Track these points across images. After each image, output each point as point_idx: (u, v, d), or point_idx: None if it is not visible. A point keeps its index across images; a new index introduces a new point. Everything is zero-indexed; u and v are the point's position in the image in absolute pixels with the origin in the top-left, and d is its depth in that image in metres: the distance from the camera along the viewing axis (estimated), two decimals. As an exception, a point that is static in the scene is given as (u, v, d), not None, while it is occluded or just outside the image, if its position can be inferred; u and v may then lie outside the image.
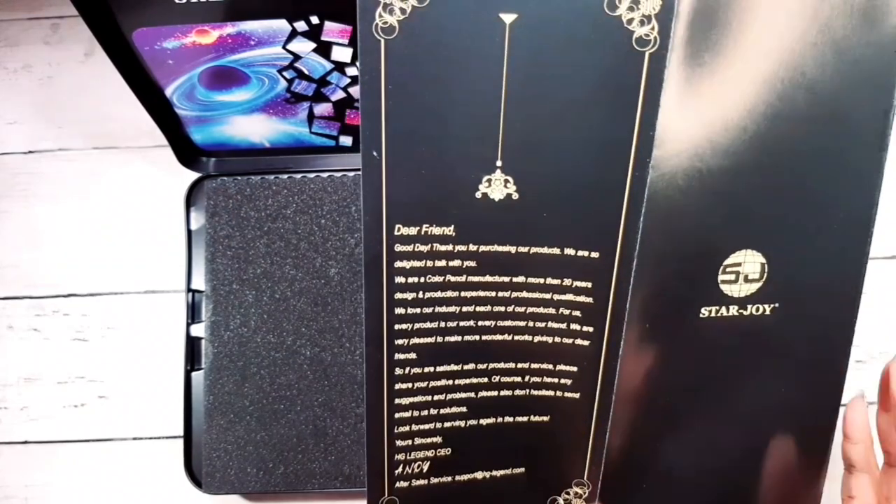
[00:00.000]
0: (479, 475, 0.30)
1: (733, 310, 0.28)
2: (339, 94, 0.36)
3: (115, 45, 0.32)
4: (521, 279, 0.28)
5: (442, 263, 0.27)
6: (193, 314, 0.40)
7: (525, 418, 0.30)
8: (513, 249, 0.27)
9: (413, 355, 0.28)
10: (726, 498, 0.30)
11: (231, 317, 0.39)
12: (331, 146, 0.39)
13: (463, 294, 0.28)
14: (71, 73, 0.43)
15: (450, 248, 0.27)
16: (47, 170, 0.43)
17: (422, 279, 0.27)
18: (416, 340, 0.28)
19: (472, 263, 0.27)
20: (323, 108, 0.37)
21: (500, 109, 0.25)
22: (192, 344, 0.39)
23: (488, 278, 0.28)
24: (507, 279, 0.28)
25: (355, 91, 0.36)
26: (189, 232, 0.40)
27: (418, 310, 0.28)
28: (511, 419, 0.30)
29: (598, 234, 0.27)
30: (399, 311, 0.27)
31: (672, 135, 0.26)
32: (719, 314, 0.28)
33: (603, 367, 0.29)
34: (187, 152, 0.39)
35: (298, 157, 0.40)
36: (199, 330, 0.39)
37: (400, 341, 0.28)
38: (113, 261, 0.42)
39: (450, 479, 0.30)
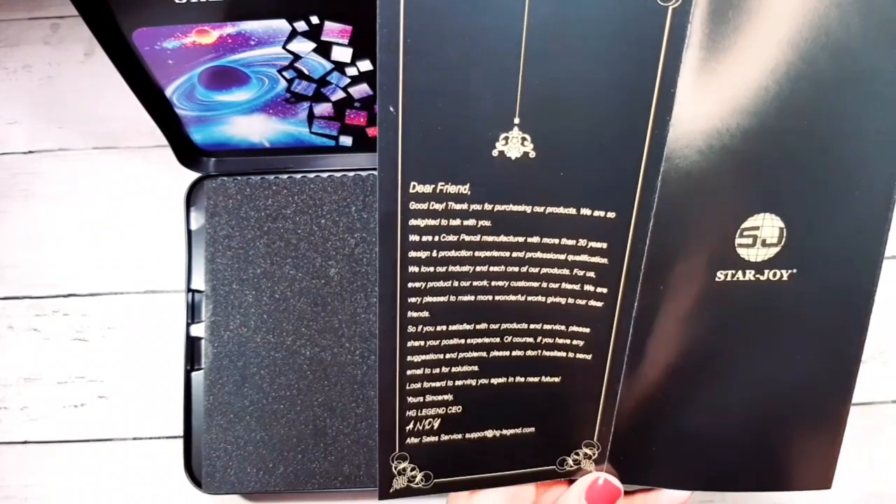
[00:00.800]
0: (489, 433, 0.30)
1: (750, 274, 0.27)
2: (339, 94, 0.36)
3: (114, 45, 0.32)
4: (535, 239, 0.27)
5: (457, 222, 0.27)
6: (193, 314, 0.40)
7: (536, 378, 0.29)
8: (528, 209, 0.27)
9: (426, 314, 0.28)
10: (736, 463, 0.30)
11: (231, 317, 0.39)
12: (331, 146, 0.39)
13: (477, 254, 0.27)
14: (71, 73, 0.43)
15: (465, 206, 0.27)
16: (47, 170, 0.43)
17: (436, 238, 0.27)
18: (429, 299, 0.28)
19: (487, 223, 0.27)
20: (323, 108, 0.37)
21: (519, 65, 0.25)
22: (192, 344, 0.39)
23: (503, 238, 0.27)
24: (521, 239, 0.27)
25: (355, 91, 0.36)
26: (189, 232, 0.40)
27: (432, 268, 0.27)
28: (522, 379, 0.29)
29: (614, 195, 0.27)
30: (413, 269, 0.27)
31: (692, 94, 0.25)
32: (735, 278, 0.27)
33: (616, 328, 0.28)
34: (187, 152, 0.39)
35: (298, 157, 0.40)
36: (198, 330, 0.39)
37: (413, 299, 0.27)
38: (113, 261, 0.42)
39: (460, 436, 0.30)
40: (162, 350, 0.41)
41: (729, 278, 0.27)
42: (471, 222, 0.27)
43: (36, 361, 0.42)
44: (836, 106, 0.25)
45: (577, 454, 0.30)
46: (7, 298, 0.42)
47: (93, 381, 0.41)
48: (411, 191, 0.26)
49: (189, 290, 0.40)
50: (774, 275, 0.27)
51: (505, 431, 0.30)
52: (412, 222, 0.26)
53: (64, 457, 0.41)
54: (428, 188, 0.26)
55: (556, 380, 0.30)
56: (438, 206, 0.26)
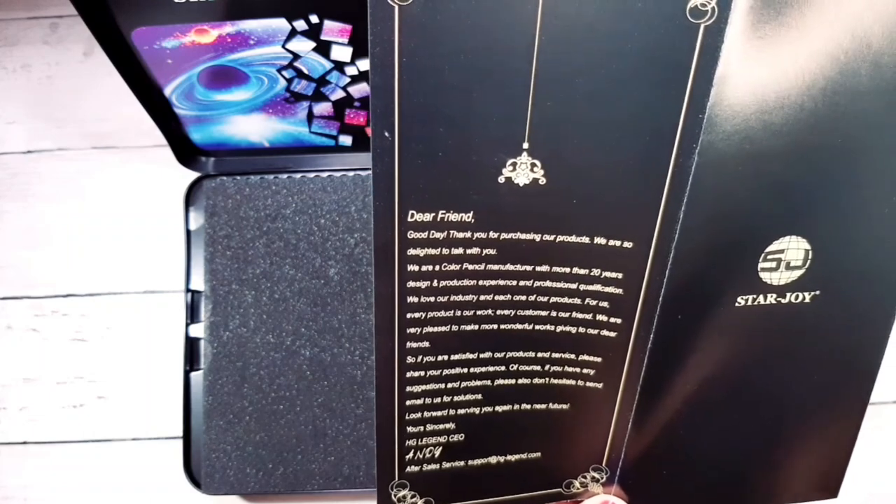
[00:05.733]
0: (492, 460, 0.29)
1: (771, 298, 0.26)
2: (339, 94, 0.36)
3: (114, 45, 0.31)
4: (544, 268, 0.26)
5: (459, 251, 0.25)
6: (192, 314, 0.39)
7: (543, 406, 0.28)
8: (537, 237, 0.25)
9: (426, 344, 0.26)
10: (748, 488, 0.29)
11: (230, 317, 0.39)
12: (330, 146, 0.39)
13: (481, 282, 0.26)
14: (70, 72, 0.43)
15: (468, 235, 0.25)
16: (46, 170, 0.43)
17: (437, 267, 0.25)
18: (429, 329, 0.26)
19: (492, 251, 0.25)
20: (322, 108, 0.37)
21: (530, 86, 0.23)
22: (191, 344, 0.39)
23: (509, 267, 0.26)
24: (529, 268, 0.26)
25: (355, 90, 0.36)
26: (188, 232, 0.40)
27: (432, 298, 0.26)
28: (528, 406, 0.28)
29: (633, 224, 0.25)
30: (412, 299, 0.26)
31: (723, 116, 0.24)
32: (756, 302, 0.26)
33: (629, 358, 0.27)
34: (186, 152, 0.39)
35: (298, 156, 0.40)
36: (198, 330, 0.39)
37: (412, 330, 0.26)
38: (112, 261, 0.42)
39: (462, 463, 0.29)
40: (161, 350, 0.41)
41: (749, 303, 0.26)
42: (474, 251, 0.25)
43: (35, 362, 0.42)
44: (871, 120, 0.24)
45: (585, 477, 0.29)
46: (6, 298, 0.42)
47: (92, 382, 0.41)
48: (409, 219, 0.24)
49: (188, 290, 0.40)
50: (796, 297, 0.26)
51: (510, 457, 0.29)
52: (411, 252, 0.25)
53: (63, 457, 0.41)
54: (428, 217, 0.25)
55: (565, 407, 0.28)
56: (439, 235, 0.25)
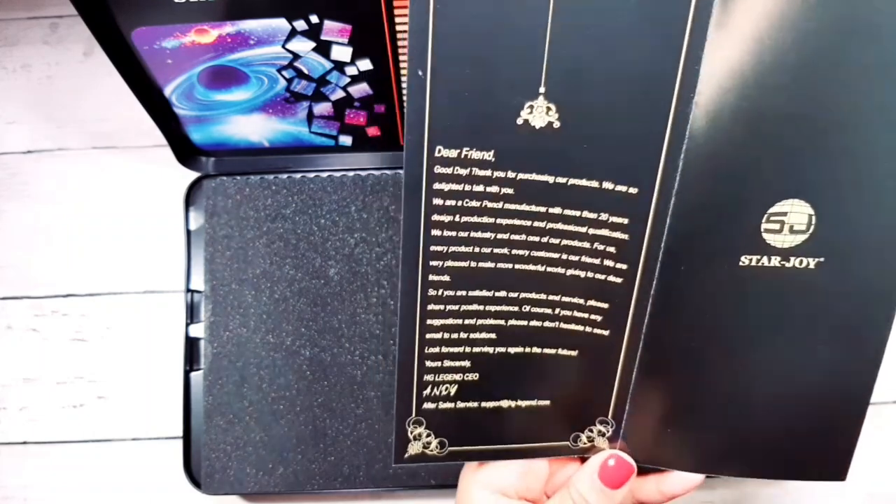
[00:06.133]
0: (504, 404, 0.30)
1: (775, 261, 0.27)
2: (339, 94, 0.36)
3: (114, 45, 0.31)
4: (557, 210, 0.28)
5: (480, 188, 0.27)
6: (192, 314, 0.39)
7: (553, 351, 0.30)
8: (550, 179, 0.27)
9: (446, 277, 0.28)
10: (751, 449, 0.30)
11: (230, 317, 0.39)
12: (330, 146, 0.39)
13: (499, 221, 0.28)
14: (70, 72, 0.43)
15: (488, 173, 0.27)
16: (46, 169, 0.43)
17: (459, 202, 0.27)
18: (450, 263, 0.28)
19: (510, 191, 0.27)
20: (322, 108, 0.37)
21: (546, 34, 0.25)
22: (191, 344, 0.39)
23: (525, 207, 0.28)
24: (543, 209, 0.28)
25: (355, 90, 0.36)
26: (188, 232, 0.40)
27: (454, 233, 0.28)
28: (539, 350, 0.30)
29: (637, 170, 0.27)
30: (435, 232, 0.27)
31: (718, 69, 0.25)
32: (760, 264, 0.27)
33: (634, 306, 0.28)
34: (186, 152, 0.39)
35: (298, 156, 0.40)
36: (198, 330, 0.39)
37: (435, 263, 0.28)
38: (112, 261, 0.42)
39: (476, 404, 0.30)
40: (161, 350, 0.41)
41: (754, 263, 0.27)
42: (493, 189, 0.27)
43: (35, 362, 0.42)
44: (876, 94, 0.25)
45: (591, 430, 0.30)
46: (6, 298, 0.42)
47: (92, 382, 0.41)
48: (437, 154, 0.26)
49: (188, 290, 0.40)
50: (801, 262, 0.27)
51: (520, 403, 0.30)
52: (436, 186, 0.27)
53: (63, 457, 0.41)
54: (453, 153, 0.26)
55: (573, 353, 0.30)
56: (462, 172, 0.27)
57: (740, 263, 0.27)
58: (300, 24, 0.31)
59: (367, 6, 0.31)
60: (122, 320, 0.42)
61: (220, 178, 0.40)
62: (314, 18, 0.31)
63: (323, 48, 0.33)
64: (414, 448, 0.30)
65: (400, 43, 0.33)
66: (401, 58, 0.34)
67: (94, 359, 0.41)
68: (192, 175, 0.40)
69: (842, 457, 0.29)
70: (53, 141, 0.43)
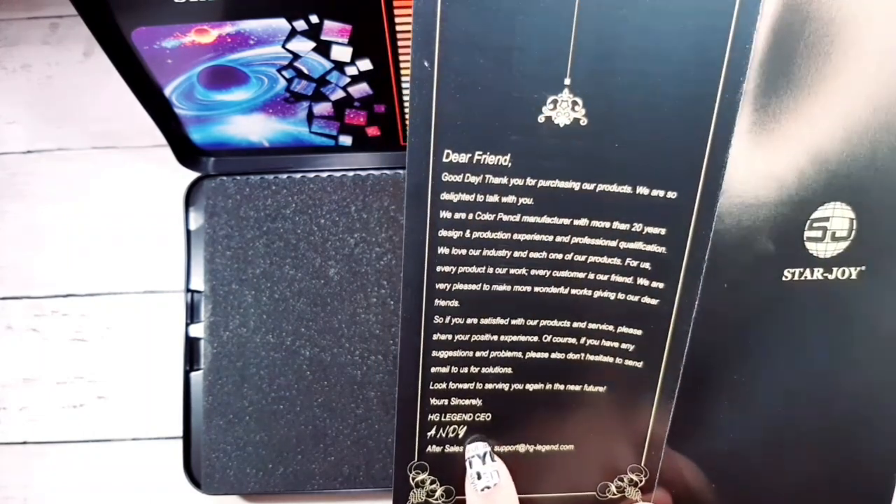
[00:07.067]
0: (521, 448, 0.26)
1: (818, 273, 0.24)
2: (339, 94, 0.36)
3: (114, 45, 0.31)
4: (583, 222, 0.24)
5: (494, 199, 0.24)
6: (192, 314, 0.39)
7: (578, 387, 0.26)
8: (576, 186, 0.24)
9: (455, 303, 0.25)
10: (794, 489, 0.27)
11: (230, 317, 0.39)
12: (330, 146, 0.39)
13: (516, 236, 0.24)
14: (70, 72, 0.43)
15: (504, 180, 0.23)
16: (46, 170, 0.43)
17: (470, 216, 0.24)
18: (459, 286, 0.24)
19: (528, 201, 0.24)
20: (322, 108, 0.37)
21: (573, 16, 0.22)
22: (191, 344, 0.39)
23: (546, 219, 0.24)
24: (567, 221, 0.24)
25: (355, 90, 0.36)
26: (188, 232, 0.40)
27: (464, 251, 0.24)
28: (562, 387, 0.26)
29: (677, 171, 0.23)
30: (442, 250, 0.24)
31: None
32: (803, 277, 0.24)
33: (672, 331, 0.25)
34: (186, 152, 0.39)
35: (298, 156, 0.40)
36: (197, 330, 0.39)
37: (441, 286, 0.24)
38: (112, 261, 0.42)
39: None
40: (161, 350, 0.41)
41: (797, 277, 0.25)
42: (510, 199, 0.24)
43: (35, 362, 0.42)
44: None
45: (622, 480, 0.27)
46: (6, 298, 0.42)
47: (92, 382, 0.41)
48: (445, 160, 0.23)
49: (188, 290, 0.40)
50: (843, 273, 0.25)
51: (539, 447, 0.26)
52: (444, 196, 0.23)
53: (63, 457, 0.41)
54: (464, 158, 0.23)
55: (601, 390, 0.26)
56: (475, 179, 0.23)
57: (783, 278, 0.25)
58: (300, 24, 0.31)
59: (367, 6, 0.31)
60: (122, 320, 0.42)
61: (220, 178, 0.40)
62: (314, 18, 0.31)
63: (323, 48, 0.33)
64: (416, 496, 0.27)
65: (400, 43, 0.33)
66: (401, 57, 0.34)
67: (94, 359, 0.41)
68: (192, 175, 0.40)
69: (880, 494, 0.26)
70: (53, 141, 0.43)
